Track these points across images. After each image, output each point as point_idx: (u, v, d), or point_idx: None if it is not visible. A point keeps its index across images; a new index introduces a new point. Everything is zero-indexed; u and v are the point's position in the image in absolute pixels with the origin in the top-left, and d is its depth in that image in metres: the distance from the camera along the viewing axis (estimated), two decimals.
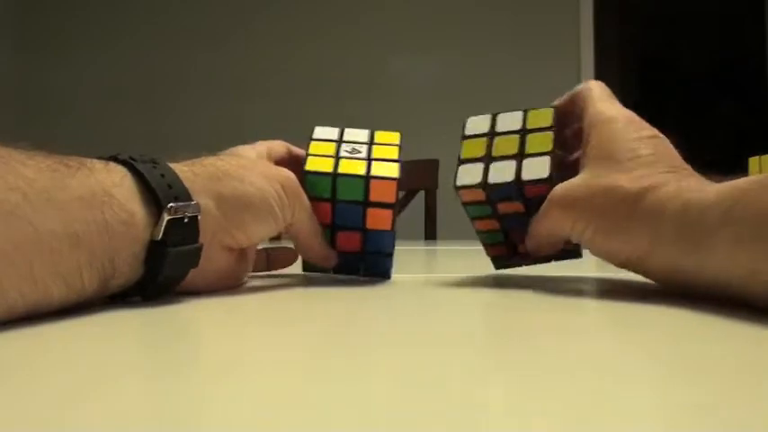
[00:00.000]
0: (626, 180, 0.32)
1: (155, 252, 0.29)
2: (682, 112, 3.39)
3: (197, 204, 0.31)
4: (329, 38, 2.85)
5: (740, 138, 2.93)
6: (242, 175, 0.35)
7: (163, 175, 0.30)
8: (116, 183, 0.29)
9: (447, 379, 0.17)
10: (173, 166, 0.32)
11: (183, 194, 0.30)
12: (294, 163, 0.41)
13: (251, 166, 0.36)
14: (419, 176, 1.49)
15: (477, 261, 0.58)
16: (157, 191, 0.29)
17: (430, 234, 1.54)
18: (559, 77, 2.73)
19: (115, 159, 0.30)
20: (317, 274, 0.43)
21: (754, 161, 0.54)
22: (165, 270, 0.29)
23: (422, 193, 1.55)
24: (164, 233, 0.29)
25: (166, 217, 0.29)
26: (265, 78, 2.85)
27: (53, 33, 2.96)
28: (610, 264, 0.34)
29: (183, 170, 0.32)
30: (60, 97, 2.94)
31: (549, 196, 0.35)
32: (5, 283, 0.23)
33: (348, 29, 2.84)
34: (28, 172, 0.25)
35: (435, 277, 0.49)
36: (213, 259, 0.33)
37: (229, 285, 0.36)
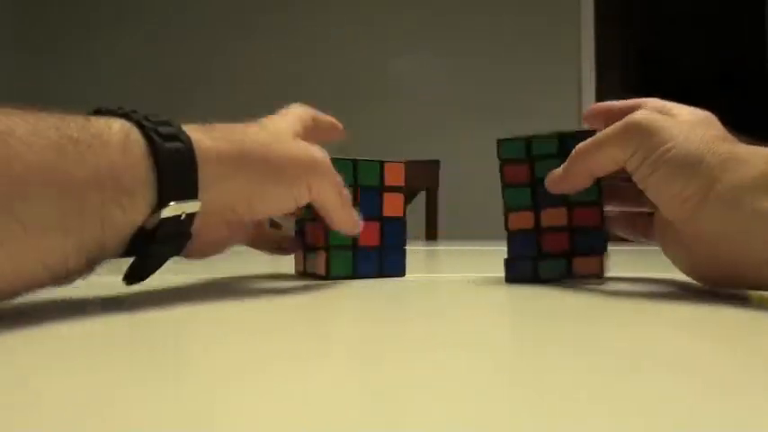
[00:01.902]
0: (709, 130, 0.33)
1: (141, 240, 0.29)
2: None
3: (198, 203, 0.30)
4: (330, 40, 2.85)
5: (740, 138, 2.93)
6: (267, 155, 0.34)
7: (181, 164, 0.29)
8: (129, 164, 0.27)
9: (470, 382, 0.17)
10: (196, 137, 0.30)
11: (191, 191, 0.30)
12: (319, 130, 0.43)
13: (279, 147, 0.35)
14: (420, 177, 1.50)
15: (480, 261, 0.58)
16: (167, 184, 0.28)
17: (431, 234, 1.54)
18: (560, 78, 2.73)
19: (141, 126, 0.28)
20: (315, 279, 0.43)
21: None
22: (147, 256, 0.30)
23: (423, 194, 1.55)
24: (156, 225, 0.28)
25: (163, 215, 0.28)
26: (267, 81, 2.85)
27: (53, 33, 2.96)
28: (665, 205, 0.33)
29: (207, 146, 0.31)
30: (60, 97, 2.93)
31: (626, 117, 0.34)
32: None
33: (349, 31, 2.84)
34: (28, 154, 0.23)
35: (440, 278, 0.49)
36: (209, 230, 0.33)
37: (215, 253, 0.36)
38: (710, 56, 3.42)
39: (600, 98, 2.73)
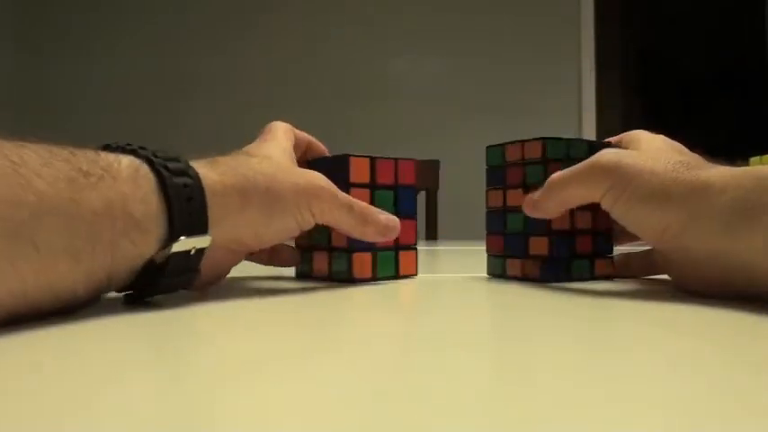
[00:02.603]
0: (674, 157, 0.34)
1: (150, 273, 0.29)
2: (682, 111, 3.39)
3: (208, 238, 0.30)
4: (330, 40, 2.85)
5: (740, 138, 2.94)
6: (272, 185, 0.34)
7: (190, 199, 0.29)
8: (139, 198, 0.27)
9: (471, 382, 0.17)
10: (203, 172, 0.31)
11: (201, 226, 0.30)
12: (304, 147, 0.44)
13: (282, 176, 0.35)
14: (420, 177, 1.49)
15: (480, 261, 0.58)
16: (177, 219, 0.28)
17: (431, 234, 1.54)
18: (560, 78, 2.73)
19: (150, 162, 0.29)
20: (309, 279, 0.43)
21: (755, 161, 0.54)
22: (156, 288, 0.30)
23: (423, 194, 1.55)
24: (166, 259, 0.29)
25: (173, 249, 0.28)
26: (267, 81, 2.85)
27: (53, 33, 2.97)
28: (648, 238, 0.35)
29: (213, 180, 0.32)
30: (60, 97, 2.94)
31: (592, 159, 0.36)
32: None
33: (349, 31, 2.84)
34: (40, 184, 0.24)
35: (440, 278, 0.49)
36: (215, 262, 0.33)
37: (218, 281, 0.37)
38: (710, 56, 3.42)
39: (600, 98, 2.73)
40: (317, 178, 0.37)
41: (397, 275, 0.43)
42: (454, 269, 0.58)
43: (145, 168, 0.28)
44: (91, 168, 0.26)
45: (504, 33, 2.77)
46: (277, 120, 0.43)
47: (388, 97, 2.81)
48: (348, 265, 0.41)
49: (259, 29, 2.87)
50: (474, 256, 0.74)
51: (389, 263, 0.43)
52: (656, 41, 3.49)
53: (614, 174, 0.35)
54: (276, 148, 0.39)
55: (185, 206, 0.29)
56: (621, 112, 3.04)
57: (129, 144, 0.30)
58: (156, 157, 0.29)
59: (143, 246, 0.28)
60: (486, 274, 0.46)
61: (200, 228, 0.30)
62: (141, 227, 0.27)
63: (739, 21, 3.37)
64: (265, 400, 0.15)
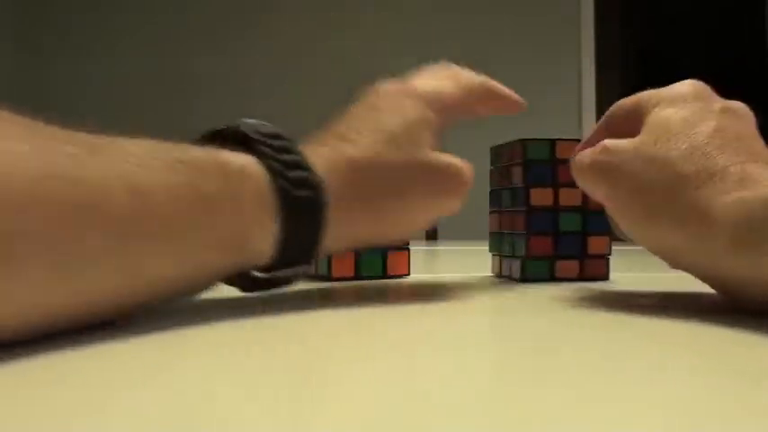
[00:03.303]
0: (681, 156, 0.28)
1: (248, 283, 0.29)
2: None
3: (310, 268, 0.30)
4: (330, 41, 2.85)
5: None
6: (402, 208, 0.33)
7: (310, 221, 0.28)
8: (264, 223, 0.27)
9: (471, 382, 0.17)
10: (327, 172, 0.29)
11: (308, 258, 0.29)
12: (493, 102, 0.42)
13: (411, 197, 0.33)
14: None
15: (480, 261, 0.58)
16: (287, 253, 0.28)
17: (431, 234, 1.54)
18: (560, 78, 2.73)
19: (280, 191, 0.27)
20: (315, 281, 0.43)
21: None
22: (243, 289, 0.30)
23: None
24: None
25: (277, 274, 0.29)
26: (268, 81, 2.85)
27: (53, 33, 2.96)
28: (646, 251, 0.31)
29: (339, 190, 0.29)
30: (60, 97, 2.93)
31: (587, 156, 0.32)
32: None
33: (350, 32, 2.84)
34: (161, 209, 0.23)
35: (440, 278, 0.49)
36: None
37: None
38: (710, 56, 3.42)
39: (600, 98, 2.73)
40: (453, 171, 0.34)
41: (384, 275, 0.43)
42: (454, 269, 0.58)
43: (269, 191, 0.27)
44: (216, 191, 0.26)
45: (504, 33, 2.77)
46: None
47: None
48: (327, 263, 0.42)
49: (259, 29, 2.87)
50: (474, 256, 0.74)
51: (375, 263, 0.43)
52: (656, 41, 3.49)
53: (607, 180, 0.31)
54: (415, 130, 0.34)
55: (307, 231, 0.28)
56: None
57: (259, 130, 0.29)
58: (283, 177, 0.27)
59: (248, 262, 0.28)
60: (485, 274, 0.46)
61: (306, 259, 0.29)
62: (256, 249, 0.27)
63: (739, 21, 3.37)
64: (268, 402, 0.15)
